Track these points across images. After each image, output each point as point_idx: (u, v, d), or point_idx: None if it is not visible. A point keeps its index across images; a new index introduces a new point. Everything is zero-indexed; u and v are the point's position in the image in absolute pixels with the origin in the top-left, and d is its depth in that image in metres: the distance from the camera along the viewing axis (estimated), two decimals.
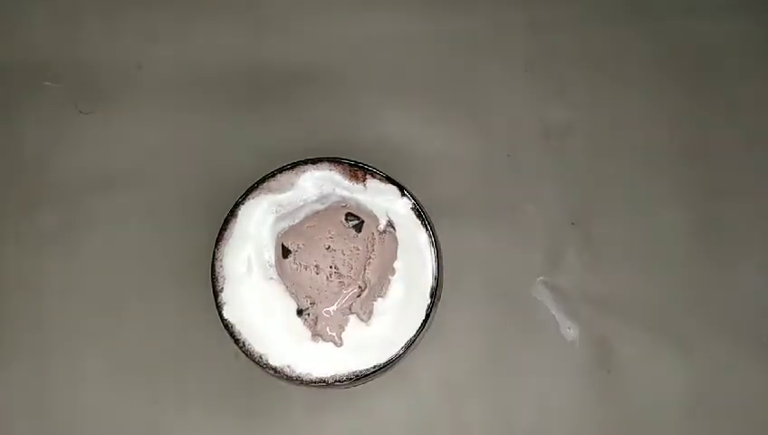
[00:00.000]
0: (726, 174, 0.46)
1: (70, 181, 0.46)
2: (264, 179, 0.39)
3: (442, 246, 0.40)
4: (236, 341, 0.38)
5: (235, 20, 0.48)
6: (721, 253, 0.45)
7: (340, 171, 0.39)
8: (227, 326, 0.38)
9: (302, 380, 0.38)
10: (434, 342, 0.42)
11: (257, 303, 0.38)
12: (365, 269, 0.38)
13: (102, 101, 0.47)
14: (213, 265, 0.38)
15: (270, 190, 0.39)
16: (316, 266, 0.37)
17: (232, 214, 0.39)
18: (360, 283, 0.38)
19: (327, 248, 0.37)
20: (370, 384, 0.41)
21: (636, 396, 0.43)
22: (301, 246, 0.37)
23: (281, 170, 0.39)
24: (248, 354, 0.38)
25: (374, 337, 0.38)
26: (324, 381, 0.38)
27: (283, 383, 0.38)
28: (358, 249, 0.37)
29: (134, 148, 0.46)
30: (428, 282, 0.38)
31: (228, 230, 0.39)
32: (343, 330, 0.37)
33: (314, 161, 0.39)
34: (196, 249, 0.41)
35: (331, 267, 0.37)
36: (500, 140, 0.46)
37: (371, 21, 0.48)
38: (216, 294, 0.38)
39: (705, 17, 0.48)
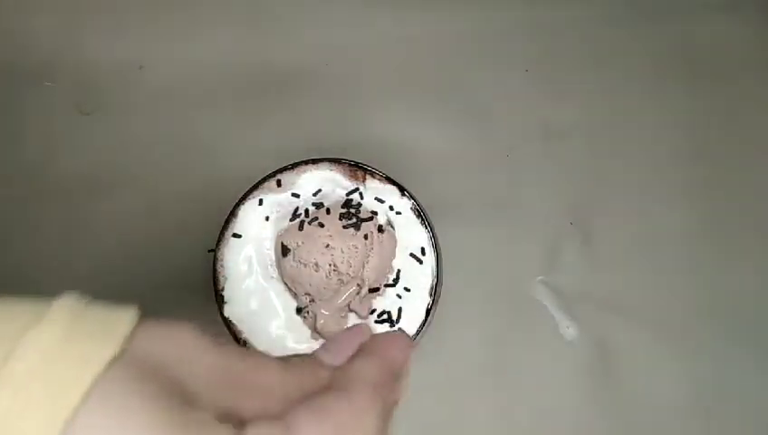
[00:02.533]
0: (726, 174, 0.46)
1: (70, 181, 0.46)
2: (264, 179, 0.39)
3: (442, 246, 0.40)
4: (237, 340, 0.38)
5: (235, 20, 0.48)
6: (721, 253, 0.45)
7: (340, 171, 0.39)
8: (228, 325, 0.38)
9: None
10: (434, 341, 0.42)
11: (258, 301, 0.38)
12: (364, 267, 0.38)
13: (103, 102, 0.47)
14: (213, 265, 0.38)
15: (270, 190, 0.39)
16: (315, 264, 0.37)
17: (232, 214, 0.39)
18: (358, 281, 0.38)
19: (326, 246, 0.37)
20: None
21: (635, 396, 0.43)
22: (300, 244, 0.38)
23: (281, 170, 0.39)
24: None
25: None
26: None
27: None
28: (356, 247, 0.37)
29: (134, 148, 0.46)
30: (428, 281, 0.38)
31: (228, 230, 0.39)
32: (342, 328, 0.38)
33: (314, 161, 0.39)
34: (197, 248, 0.41)
35: (330, 265, 0.37)
36: (500, 140, 0.46)
37: (371, 21, 0.48)
38: (216, 293, 0.38)
39: (705, 17, 0.48)
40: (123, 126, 0.46)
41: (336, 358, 0.26)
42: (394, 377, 0.26)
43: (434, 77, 0.47)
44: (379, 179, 0.39)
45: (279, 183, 0.39)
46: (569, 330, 0.44)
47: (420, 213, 0.39)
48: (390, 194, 0.39)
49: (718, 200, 0.46)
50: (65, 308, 0.22)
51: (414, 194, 0.39)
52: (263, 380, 0.23)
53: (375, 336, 0.27)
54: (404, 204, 0.39)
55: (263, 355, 0.25)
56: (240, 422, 0.21)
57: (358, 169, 0.39)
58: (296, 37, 0.48)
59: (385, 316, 0.38)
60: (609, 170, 0.46)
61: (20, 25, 0.48)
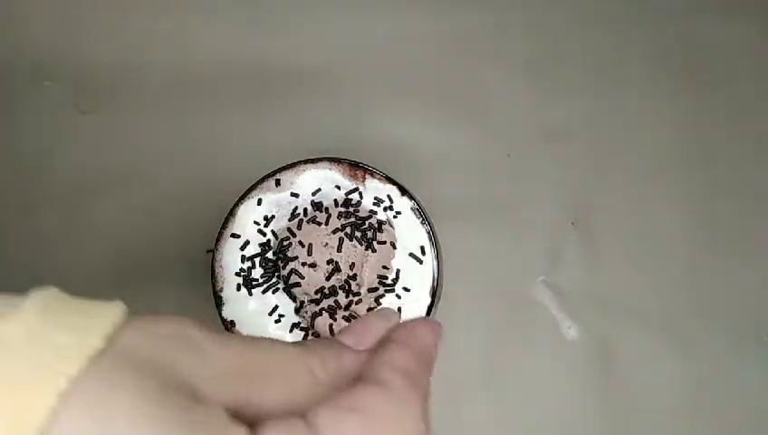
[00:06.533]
0: (727, 174, 0.46)
1: (70, 181, 0.46)
2: (263, 179, 0.39)
3: (442, 246, 0.40)
4: None
5: (234, 20, 0.48)
6: (721, 253, 0.45)
7: (339, 171, 0.39)
8: (227, 326, 0.38)
9: None
10: None
11: (256, 302, 0.38)
12: (363, 267, 0.38)
13: (102, 101, 0.47)
14: (212, 265, 0.38)
15: (269, 190, 0.39)
16: (314, 264, 0.37)
17: (232, 214, 0.39)
18: (357, 281, 0.37)
19: (325, 246, 0.37)
20: None
21: (635, 396, 0.43)
22: (299, 243, 0.37)
23: (280, 170, 0.39)
24: None
25: None
26: None
27: None
28: (356, 247, 0.37)
29: (134, 148, 0.46)
30: (428, 281, 0.38)
31: (227, 230, 0.39)
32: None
33: (314, 161, 0.39)
34: (196, 249, 0.41)
35: (328, 264, 0.37)
36: (500, 140, 0.46)
37: (371, 21, 0.48)
38: (215, 293, 0.38)
39: (705, 17, 0.48)
40: (122, 126, 0.46)
41: (360, 341, 0.24)
42: (427, 368, 0.24)
43: (434, 77, 0.47)
44: (378, 179, 0.39)
45: (278, 182, 0.39)
46: (570, 330, 0.44)
47: (420, 213, 0.39)
48: (390, 194, 0.39)
49: (718, 200, 0.46)
50: (40, 300, 0.19)
51: (414, 194, 0.39)
52: (279, 367, 0.20)
53: (404, 323, 0.25)
54: (404, 204, 0.39)
55: (274, 341, 0.22)
56: (258, 419, 0.19)
57: (357, 169, 0.39)
58: (296, 37, 0.48)
59: None
60: (609, 170, 0.46)
61: (19, 25, 0.48)
